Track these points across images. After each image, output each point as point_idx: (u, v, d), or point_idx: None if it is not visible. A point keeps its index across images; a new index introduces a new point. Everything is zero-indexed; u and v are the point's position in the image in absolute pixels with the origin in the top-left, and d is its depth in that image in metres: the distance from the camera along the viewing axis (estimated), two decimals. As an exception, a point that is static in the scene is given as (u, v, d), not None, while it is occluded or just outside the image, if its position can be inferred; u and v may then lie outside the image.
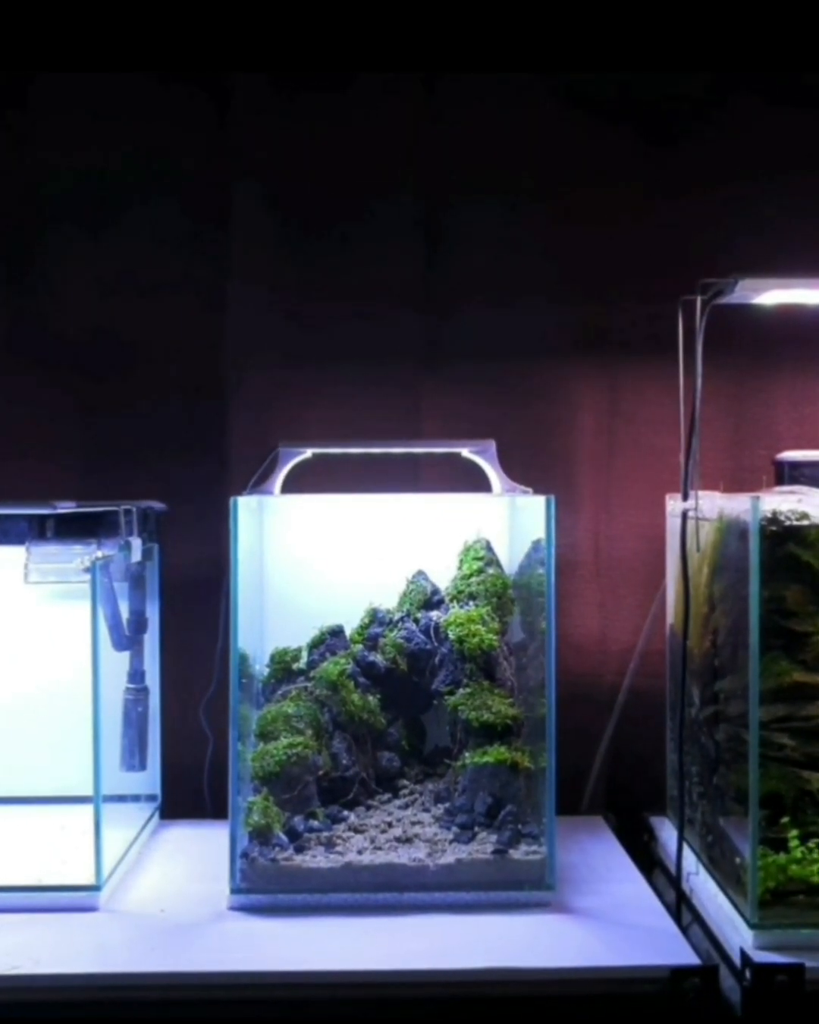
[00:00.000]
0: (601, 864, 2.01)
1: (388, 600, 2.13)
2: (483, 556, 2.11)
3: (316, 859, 1.81)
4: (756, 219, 2.27)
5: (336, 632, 2.09)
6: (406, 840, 1.86)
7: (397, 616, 2.09)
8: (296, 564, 2.17)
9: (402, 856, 1.81)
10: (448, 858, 1.81)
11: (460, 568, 2.13)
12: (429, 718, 2.10)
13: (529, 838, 1.85)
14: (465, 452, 2.07)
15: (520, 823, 1.87)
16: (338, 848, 1.84)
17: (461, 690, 1.98)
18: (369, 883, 1.79)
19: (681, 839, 1.91)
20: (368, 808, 1.95)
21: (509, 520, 2.17)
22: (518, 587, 2.10)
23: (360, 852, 1.83)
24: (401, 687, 2.04)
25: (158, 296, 2.31)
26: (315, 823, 1.87)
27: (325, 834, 1.85)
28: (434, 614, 2.08)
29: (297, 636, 2.11)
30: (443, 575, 2.14)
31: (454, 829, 1.87)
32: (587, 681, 2.32)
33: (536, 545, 1.96)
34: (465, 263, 2.32)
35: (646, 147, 2.31)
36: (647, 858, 2.09)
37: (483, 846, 1.84)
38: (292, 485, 2.03)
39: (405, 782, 2.02)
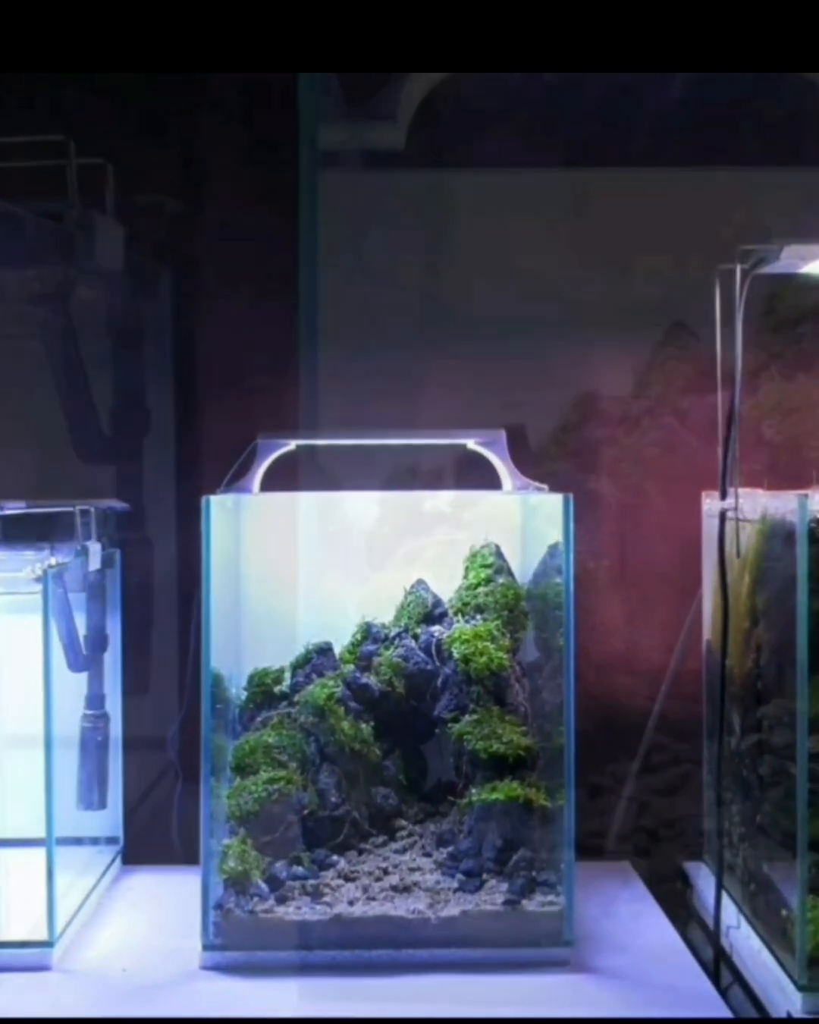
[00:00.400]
0: (628, 916, 2.01)
1: (383, 613, 2.13)
2: (492, 563, 2.10)
3: (301, 911, 1.81)
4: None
5: (323, 650, 2.08)
6: (404, 889, 1.86)
7: (394, 632, 2.09)
8: (277, 572, 2.16)
9: (399, 908, 1.81)
10: (452, 910, 1.81)
11: (466, 577, 2.13)
12: (430, 749, 2.09)
13: (545, 887, 1.85)
14: (471, 443, 2.06)
15: (534, 869, 1.87)
16: (326, 898, 1.84)
17: (467, 717, 1.98)
18: (362, 938, 1.79)
19: (720, 887, 1.93)
20: (360, 852, 1.96)
21: (521, 521, 2.17)
22: (532, 598, 2.09)
23: (351, 903, 1.82)
24: (398, 713, 2.04)
25: (124, 268, 2.31)
26: (299, 869, 1.87)
27: (311, 882, 1.85)
28: (436, 630, 2.07)
29: (279, 655, 2.11)
30: (446, 585, 2.13)
31: (459, 876, 1.87)
32: (612, 706, 2.32)
33: (552, 550, 1.96)
34: (475, 228, 2.33)
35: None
36: (681, 909, 2.10)
37: (492, 896, 1.84)
38: (273, 482, 2.03)
39: (403, 822, 2.02)
